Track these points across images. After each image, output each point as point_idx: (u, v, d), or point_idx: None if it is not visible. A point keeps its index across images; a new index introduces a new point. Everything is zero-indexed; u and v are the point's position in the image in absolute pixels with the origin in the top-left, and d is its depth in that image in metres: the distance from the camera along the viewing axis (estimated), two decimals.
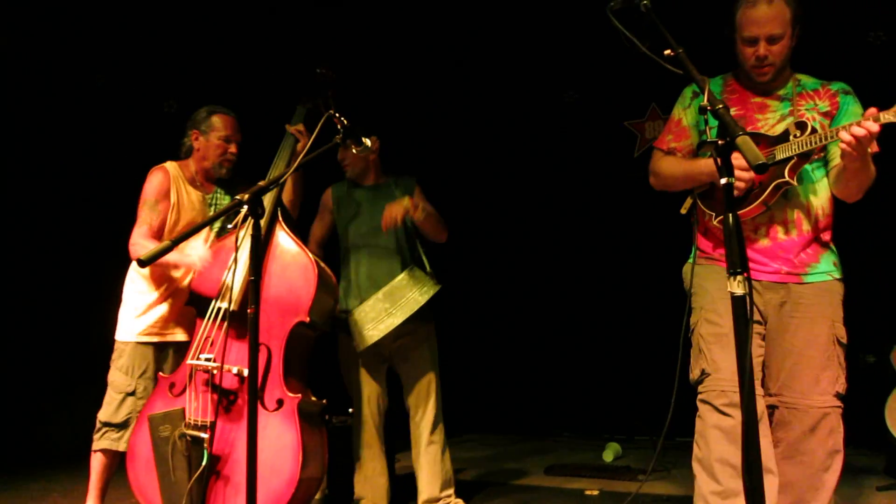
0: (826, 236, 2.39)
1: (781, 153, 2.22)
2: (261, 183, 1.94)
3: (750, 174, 2.21)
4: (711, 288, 2.38)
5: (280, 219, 2.84)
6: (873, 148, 2.23)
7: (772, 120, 2.35)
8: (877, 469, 3.93)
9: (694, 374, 2.37)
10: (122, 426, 2.79)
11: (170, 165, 2.99)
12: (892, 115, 2.04)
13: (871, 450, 4.23)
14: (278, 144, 3.05)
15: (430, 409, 3.27)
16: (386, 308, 3.01)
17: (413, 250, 3.29)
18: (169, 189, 2.92)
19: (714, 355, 2.31)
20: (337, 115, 2.19)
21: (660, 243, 2.90)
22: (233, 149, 3.01)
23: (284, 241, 2.84)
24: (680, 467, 3.82)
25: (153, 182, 2.92)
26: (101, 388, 2.95)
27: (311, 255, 2.81)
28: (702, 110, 1.69)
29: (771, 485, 2.14)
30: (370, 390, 3.23)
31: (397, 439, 3.55)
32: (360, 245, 3.25)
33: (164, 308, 2.93)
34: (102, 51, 5.06)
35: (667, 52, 1.73)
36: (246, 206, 1.84)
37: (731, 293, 1.65)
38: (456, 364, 4.02)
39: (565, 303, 5.53)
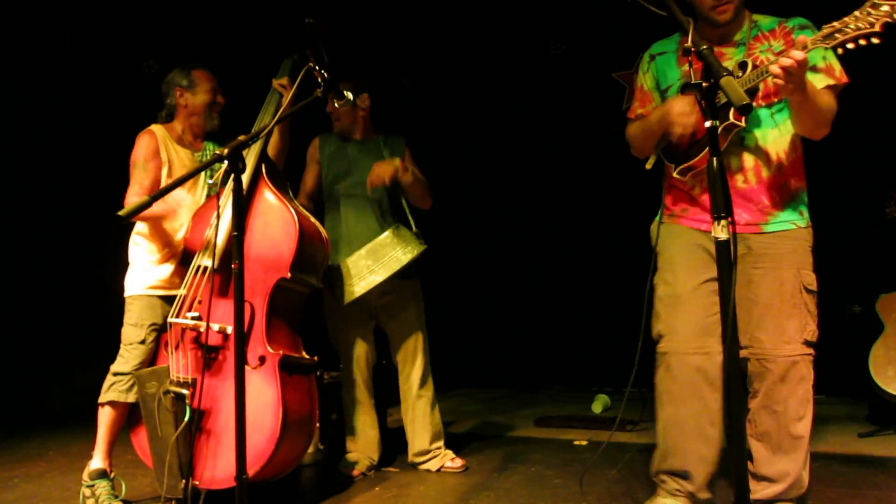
0: (793, 182, 2.34)
1: (723, 96, 2.19)
2: (241, 137, 1.89)
3: (690, 119, 2.20)
4: (671, 248, 2.42)
5: (264, 174, 2.80)
6: (841, 79, 2.22)
7: (728, 66, 2.30)
8: (860, 417, 3.99)
9: (653, 332, 2.44)
10: (131, 377, 2.77)
11: (156, 128, 2.97)
12: (821, 40, 2.01)
13: (854, 398, 4.29)
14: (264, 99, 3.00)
15: (419, 365, 3.29)
16: (369, 265, 3.00)
17: (398, 209, 3.27)
18: (158, 149, 2.90)
19: (668, 317, 2.38)
20: (317, 67, 2.13)
21: (648, 196, 2.89)
22: (220, 98, 3.03)
23: (268, 196, 2.80)
24: None
25: (141, 145, 2.90)
26: (95, 352, 2.94)
27: (294, 210, 2.77)
28: (685, 52, 1.66)
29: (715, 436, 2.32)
30: (357, 346, 3.24)
31: (388, 394, 3.58)
32: (344, 200, 3.23)
33: (169, 267, 2.92)
34: (76, 9, 4.91)
35: None
36: (226, 161, 1.80)
37: (715, 238, 1.64)
38: (444, 320, 4.03)
39: (553, 257, 5.54)
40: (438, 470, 3.26)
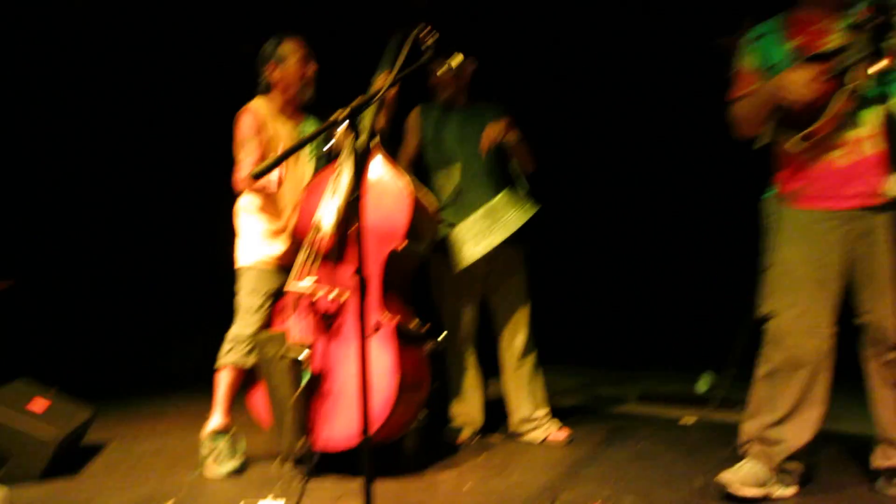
0: None
1: (847, 59, 2.21)
2: (358, 99, 1.91)
3: (810, 86, 2.24)
4: (784, 231, 2.43)
5: (378, 142, 2.83)
6: None
7: (835, 39, 2.31)
8: None
9: (762, 311, 2.48)
10: (250, 342, 2.88)
11: (255, 104, 3.02)
12: None
13: None
14: (365, 77, 3.02)
15: (522, 333, 3.28)
16: (486, 227, 2.98)
17: (507, 172, 3.24)
18: (260, 125, 2.96)
19: (780, 299, 2.41)
20: (425, 32, 2.13)
21: (758, 171, 2.80)
22: (312, 66, 3.04)
23: (381, 165, 2.83)
24: None
25: (243, 124, 2.96)
26: (208, 320, 3.05)
27: (407, 180, 2.80)
28: None
29: (818, 415, 2.39)
30: (465, 312, 3.25)
31: (488, 365, 3.58)
32: (452, 167, 3.22)
33: (279, 239, 3.00)
34: None
35: None
36: (346, 122, 1.82)
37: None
38: (543, 291, 3.98)
39: (660, 231, 5.38)
40: (543, 441, 3.25)
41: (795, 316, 2.37)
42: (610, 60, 5.32)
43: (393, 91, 3.00)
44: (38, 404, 3.05)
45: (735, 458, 2.59)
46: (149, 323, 5.57)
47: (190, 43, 5.20)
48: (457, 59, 2.68)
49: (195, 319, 5.48)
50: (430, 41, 2.09)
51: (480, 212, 3.03)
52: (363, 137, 2.59)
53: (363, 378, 1.77)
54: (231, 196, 3.09)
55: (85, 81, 5.20)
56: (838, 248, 2.35)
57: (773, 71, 2.41)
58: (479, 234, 2.99)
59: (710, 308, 5.10)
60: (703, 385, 4.40)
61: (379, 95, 1.96)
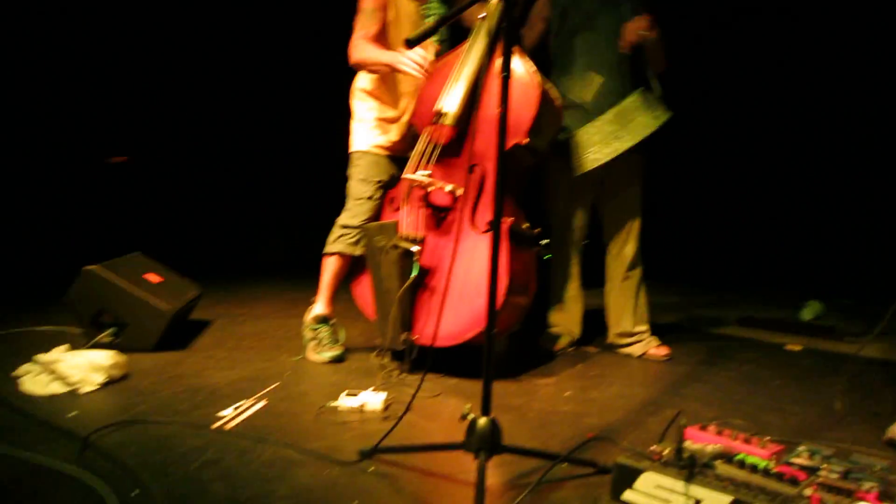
0: None
1: None
2: None
3: None
4: None
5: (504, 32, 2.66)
6: None
7: None
8: None
9: None
10: (359, 230, 2.86)
11: None
12: None
13: None
14: None
15: (631, 245, 3.16)
16: (614, 131, 2.80)
17: (642, 72, 3.02)
18: (386, 1, 2.82)
19: None
20: None
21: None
22: None
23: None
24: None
25: None
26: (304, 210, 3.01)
27: (537, 73, 2.64)
28: None
29: None
30: (576, 218, 3.14)
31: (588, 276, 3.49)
32: (585, 58, 2.99)
33: (396, 127, 2.94)
34: None
35: None
36: None
37: None
38: (653, 207, 3.81)
39: (774, 155, 5.08)
40: (641, 356, 3.18)
41: None
42: None
43: None
44: (153, 277, 3.15)
45: (852, 388, 2.47)
46: (248, 209, 5.69)
47: None
48: None
49: (293, 209, 5.58)
50: None
51: (610, 114, 2.83)
52: (493, 21, 2.44)
53: (490, 274, 1.68)
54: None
55: None
56: None
57: None
58: (605, 139, 2.82)
59: (817, 234, 4.86)
60: (807, 313, 4.22)
61: None
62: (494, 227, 1.67)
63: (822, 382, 2.83)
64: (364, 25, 2.79)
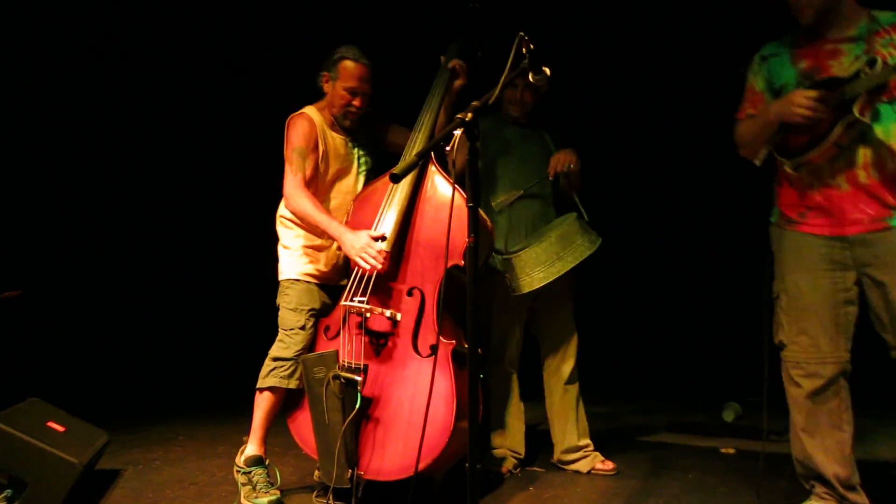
0: None
1: (850, 92, 2.19)
2: (475, 103, 1.79)
3: (816, 111, 2.21)
4: (789, 259, 2.44)
5: (433, 157, 2.71)
6: None
7: (846, 63, 2.30)
8: None
9: (776, 339, 2.49)
10: (293, 362, 2.72)
11: (311, 111, 2.83)
12: None
13: None
14: (424, 82, 2.91)
15: (569, 360, 3.17)
16: (557, 252, 2.83)
17: (566, 199, 3.15)
18: (317, 137, 2.79)
19: (791, 327, 2.43)
20: (526, 37, 2.01)
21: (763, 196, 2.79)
22: (357, 102, 2.79)
23: (438, 181, 2.71)
24: None
25: (299, 130, 2.77)
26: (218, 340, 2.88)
27: (463, 195, 2.67)
28: None
29: (845, 439, 2.41)
30: (513, 337, 3.13)
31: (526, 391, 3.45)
32: (511, 185, 3.09)
33: (325, 255, 2.86)
34: None
35: None
36: (462, 128, 1.70)
37: None
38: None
39: (664, 259, 5.32)
40: (589, 472, 3.13)
41: (807, 345, 2.39)
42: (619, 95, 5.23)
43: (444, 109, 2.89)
44: (56, 426, 2.84)
45: (801, 490, 2.50)
46: (150, 343, 5.36)
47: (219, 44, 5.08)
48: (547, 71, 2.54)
49: (197, 340, 5.30)
50: (528, 48, 1.96)
51: (554, 235, 2.87)
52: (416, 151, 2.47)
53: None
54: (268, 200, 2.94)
55: (104, 85, 5.03)
56: (843, 273, 2.35)
57: (783, 91, 2.39)
58: (549, 259, 2.83)
59: (727, 337, 5.04)
60: (728, 415, 4.32)
61: (492, 97, 1.84)
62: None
63: (766, 487, 2.84)
64: (300, 168, 2.75)
